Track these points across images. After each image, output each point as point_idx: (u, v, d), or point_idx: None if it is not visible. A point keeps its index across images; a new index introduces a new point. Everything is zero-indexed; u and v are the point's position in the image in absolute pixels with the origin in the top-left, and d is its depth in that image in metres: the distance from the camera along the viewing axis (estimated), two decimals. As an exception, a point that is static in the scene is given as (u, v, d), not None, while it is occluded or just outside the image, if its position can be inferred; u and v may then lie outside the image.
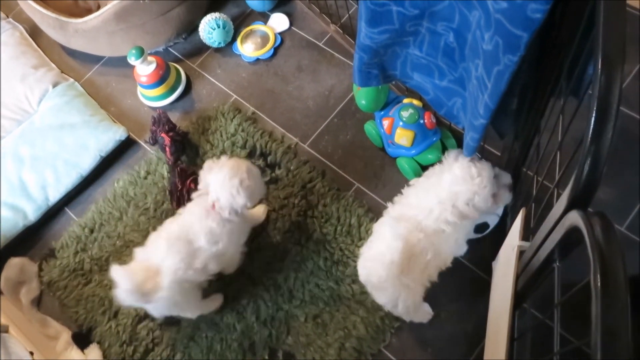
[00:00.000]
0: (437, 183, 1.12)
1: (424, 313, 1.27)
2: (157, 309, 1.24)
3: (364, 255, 1.15)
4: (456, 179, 1.08)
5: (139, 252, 1.21)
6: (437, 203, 1.10)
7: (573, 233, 0.62)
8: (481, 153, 1.42)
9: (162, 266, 1.16)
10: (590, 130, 0.58)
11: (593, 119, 0.58)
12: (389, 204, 1.22)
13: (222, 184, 1.19)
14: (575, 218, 0.61)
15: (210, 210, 1.21)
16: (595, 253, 0.53)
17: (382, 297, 1.16)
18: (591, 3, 0.67)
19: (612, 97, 0.57)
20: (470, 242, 1.34)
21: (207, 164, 1.25)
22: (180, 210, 1.27)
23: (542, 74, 0.94)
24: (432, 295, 1.31)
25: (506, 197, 1.14)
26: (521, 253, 0.99)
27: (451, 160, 1.13)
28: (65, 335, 1.40)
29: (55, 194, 1.60)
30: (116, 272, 1.09)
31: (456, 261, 1.34)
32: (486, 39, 0.86)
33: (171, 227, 1.22)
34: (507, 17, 0.77)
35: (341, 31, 1.69)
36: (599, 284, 0.51)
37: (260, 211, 1.45)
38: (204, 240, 1.19)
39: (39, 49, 1.92)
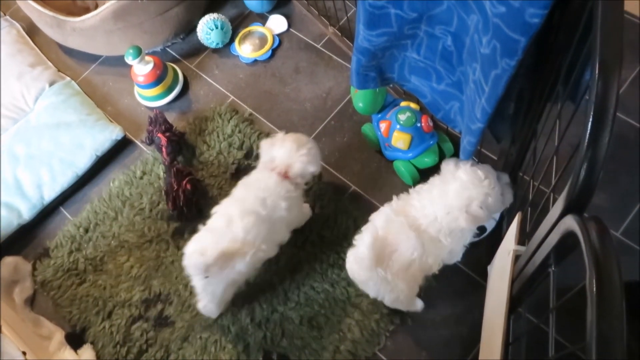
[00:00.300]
0: (441, 194, 1.11)
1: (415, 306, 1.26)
2: (219, 283, 1.22)
3: (351, 249, 1.16)
4: (464, 184, 1.08)
5: (216, 223, 1.21)
6: (445, 214, 1.10)
7: (569, 238, 0.62)
8: (478, 157, 1.42)
9: (243, 245, 1.16)
10: (587, 136, 0.58)
11: (590, 124, 0.58)
12: (394, 197, 1.22)
13: (291, 154, 1.26)
14: (571, 223, 0.61)
15: (284, 179, 1.26)
16: (590, 258, 0.53)
17: (368, 291, 1.18)
18: (589, 8, 0.67)
19: (609, 102, 0.57)
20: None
21: (267, 141, 1.32)
22: (235, 190, 1.29)
23: (539, 78, 0.94)
24: (427, 298, 1.31)
25: (510, 196, 1.15)
26: (517, 257, 0.99)
27: (451, 169, 1.13)
28: (59, 335, 1.39)
29: (50, 193, 1.59)
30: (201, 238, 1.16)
31: (452, 265, 1.34)
32: (484, 42, 0.86)
33: (245, 198, 1.24)
34: (505, 22, 0.77)
35: (339, 33, 1.69)
36: (594, 290, 0.51)
37: (307, 208, 1.43)
38: (284, 206, 1.23)
39: (35, 47, 1.91)
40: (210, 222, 1.23)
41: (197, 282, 1.23)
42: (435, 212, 1.11)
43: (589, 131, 0.58)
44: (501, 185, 1.13)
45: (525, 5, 0.72)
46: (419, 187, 1.19)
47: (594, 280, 0.51)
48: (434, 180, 1.16)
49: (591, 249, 0.54)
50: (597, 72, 0.58)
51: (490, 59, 0.85)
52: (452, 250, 1.17)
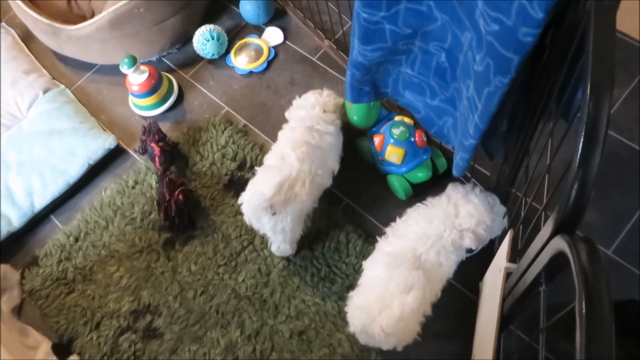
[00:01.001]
0: (448, 214, 1.15)
1: None
2: (286, 217, 1.24)
3: (355, 302, 1.14)
4: (476, 207, 1.14)
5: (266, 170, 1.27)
6: (451, 231, 1.13)
7: (559, 257, 0.62)
8: (471, 173, 1.42)
9: (299, 173, 1.23)
10: (578, 155, 0.58)
11: (581, 144, 0.58)
12: (383, 237, 1.22)
13: (318, 100, 1.39)
14: (561, 243, 0.61)
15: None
16: (580, 280, 0.53)
17: (381, 345, 1.13)
18: (581, 29, 0.67)
19: (600, 123, 0.57)
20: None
21: (294, 105, 1.43)
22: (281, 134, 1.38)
23: (532, 96, 0.94)
24: (418, 314, 1.30)
25: (501, 225, 1.20)
26: (508, 275, 0.99)
27: (462, 192, 1.18)
28: (45, 345, 1.37)
29: (41, 201, 1.58)
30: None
31: (443, 280, 1.34)
32: (477, 60, 0.86)
33: (294, 135, 1.33)
34: (499, 40, 0.78)
35: (335, 47, 1.69)
36: (584, 311, 0.50)
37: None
38: (331, 130, 1.35)
39: (30, 54, 1.91)
40: (264, 163, 1.31)
41: (266, 224, 1.24)
42: (435, 231, 1.14)
43: (580, 151, 0.58)
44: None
45: (518, 24, 0.73)
46: (411, 210, 1.21)
47: (584, 302, 0.51)
48: (439, 199, 1.19)
49: (581, 270, 0.53)
50: (588, 92, 0.58)
51: (483, 76, 0.86)
52: (450, 271, 1.19)
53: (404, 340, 1.10)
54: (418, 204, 1.23)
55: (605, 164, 1.45)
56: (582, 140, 0.58)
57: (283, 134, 1.38)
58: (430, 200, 1.21)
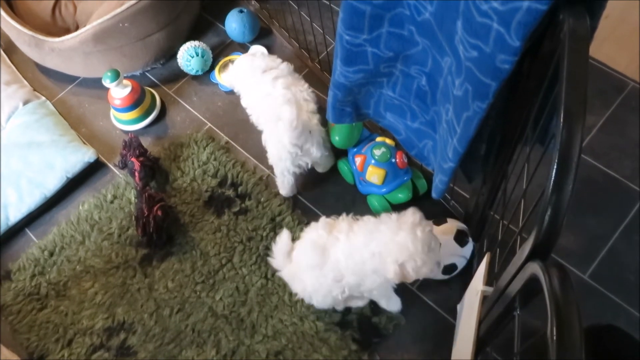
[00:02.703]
0: (384, 233, 1.12)
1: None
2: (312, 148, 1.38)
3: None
4: (414, 242, 1.08)
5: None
6: (377, 253, 1.11)
7: (533, 282, 0.62)
8: (450, 195, 1.44)
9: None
10: (551, 182, 0.59)
11: (554, 171, 0.59)
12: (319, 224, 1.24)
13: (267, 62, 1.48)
14: (535, 268, 0.61)
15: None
16: (552, 305, 0.53)
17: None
18: (556, 58, 0.69)
19: (572, 149, 0.58)
20: (437, 283, 1.35)
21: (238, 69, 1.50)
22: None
23: (510, 121, 0.96)
24: (396, 335, 1.30)
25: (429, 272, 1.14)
26: (485, 298, 0.99)
27: (413, 221, 1.11)
28: (14, 362, 1.33)
29: (16, 214, 1.55)
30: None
31: (422, 302, 1.34)
32: (457, 84, 0.88)
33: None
34: (477, 66, 0.79)
35: (319, 67, 1.71)
36: (554, 337, 0.51)
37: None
38: None
39: (12, 65, 1.89)
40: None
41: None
42: (367, 248, 1.13)
43: (553, 177, 0.59)
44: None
45: (496, 52, 0.75)
46: (364, 220, 1.20)
47: (554, 329, 0.51)
48: (390, 217, 1.15)
49: (553, 296, 0.54)
50: (561, 120, 0.60)
51: (462, 100, 0.87)
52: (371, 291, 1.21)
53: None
54: (369, 218, 1.21)
55: (581, 190, 1.48)
56: (555, 166, 0.59)
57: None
58: (383, 217, 1.17)
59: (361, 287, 1.20)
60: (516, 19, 0.68)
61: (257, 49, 1.59)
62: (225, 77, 1.57)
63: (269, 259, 1.31)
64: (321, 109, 1.43)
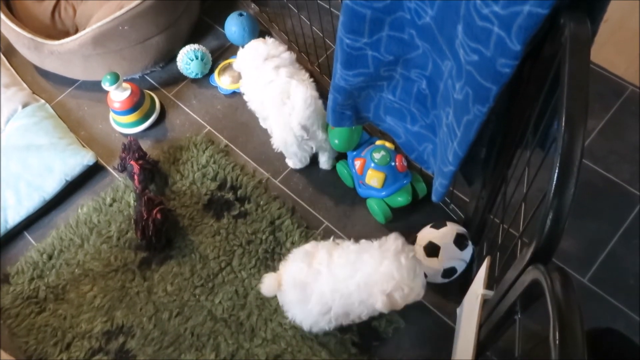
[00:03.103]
0: (368, 264, 1.10)
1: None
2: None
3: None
4: (399, 269, 1.07)
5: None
6: (363, 285, 1.09)
7: (534, 287, 0.62)
8: (450, 198, 1.44)
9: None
10: (553, 186, 0.59)
11: (556, 175, 0.59)
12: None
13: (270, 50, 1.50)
14: (536, 272, 0.61)
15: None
16: (554, 310, 0.53)
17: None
18: (557, 62, 0.69)
19: (574, 154, 0.58)
20: (436, 287, 1.35)
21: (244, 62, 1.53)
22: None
23: (510, 125, 0.96)
24: (396, 339, 1.30)
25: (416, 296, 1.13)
26: (485, 302, 0.99)
27: (395, 248, 1.10)
28: (12, 366, 1.33)
29: (15, 217, 1.55)
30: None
31: (421, 305, 1.34)
32: (457, 88, 0.88)
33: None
34: (478, 70, 0.79)
35: (319, 70, 1.71)
36: (557, 341, 0.51)
37: None
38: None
39: (11, 68, 1.89)
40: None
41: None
42: (352, 279, 1.11)
43: (554, 182, 0.59)
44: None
45: (496, 55, 0.75)
46: (343, 248, 1.18)
47: (557, 333, 0.51)
48: (371, 245, 1.14)
49: (555, 300, 0.54)
50: (563, 124, 0.60)
51: (462, 104, 0.87)
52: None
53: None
54: (350, 243, 1.19)
55: (581, 194, 1.48)
56: (556, 171, 0.59)
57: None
58: (366, 242, 1.16)
59: (350, 316, 1.19)
60: (517, 23, 0.68)
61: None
62: (235, 64, 1.59)
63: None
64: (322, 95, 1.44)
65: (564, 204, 0.59)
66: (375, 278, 1.08)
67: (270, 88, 1.44)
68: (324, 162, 1.55)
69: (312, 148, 1.48)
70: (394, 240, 1.12)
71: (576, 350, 0.49)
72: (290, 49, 1.69)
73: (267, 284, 1.21)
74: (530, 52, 0.79)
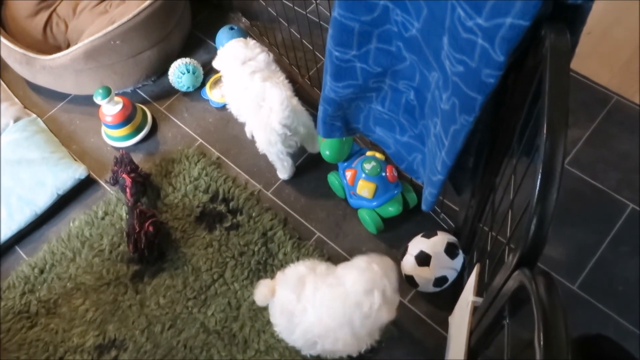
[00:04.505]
0: (358, 285, 1.10)
1: None
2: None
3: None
4: (377, 272, 1.09)
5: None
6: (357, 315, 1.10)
7: (521, 291, 0.63)
8: (440, 208, 1.45)
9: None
10: (536, 192, 0.61)
11: (539, 182, 0.60)
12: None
13: (246, 52, 1.54)
14: (522, 277, 0.62)
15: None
16: (539, 311, 0.54)
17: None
18: (539, 73, 0.71)
19: (556, 160, 0.60)
20: (428, 296, 1.36)
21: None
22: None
23: (497, 135, 0.98)
24: (388, 348, 1.30)
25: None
26: (475, 309, 1.00)
27: (361, 261, 1.13)
28: (3, 382, 1.32)
29: (6, 231, 1.54)
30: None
31: (414, 315, 1.35)
32: (444, 99, 0.90)
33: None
34: (463, 80, 0.81)
35: (309, 83, 1.73)
36: (541, 342, 0.52)
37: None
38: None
39: (2, 83, 1.89)
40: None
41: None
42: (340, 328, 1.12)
43: (538, 188, 0.60)
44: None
45: (481, 66, 0.77)
46: (332, 279, 1.17)
47: (541, 334, 0.52)
48: (345, 271, 1.15)
49: (539, 302, 0.55)
50: (545, 132, 0.61)
51: (449, 114, 0.89)
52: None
53: None
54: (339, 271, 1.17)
55: (569, 202, 1.50)
56: (539, 177, 0.60)
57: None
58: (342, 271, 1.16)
59: (335, 354, 1.21)
60: (500, 34, 0.70)
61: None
62: (214, 62, 1.62)
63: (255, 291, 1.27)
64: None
65: (547, 209, 0.60)
66: (360, 290, 1.09)
67: (246, 94, 1.48)
68: (312, 148, 1.60)
69: (296, 142, 1.50)
70: (358, 259, 1.15)
71: (560, 351, 0.50)
72: (280, 62, 1.72)
73: (260, 292, 1.21)
74: (514, 63, 0.81)
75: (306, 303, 1.15)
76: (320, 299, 1.13)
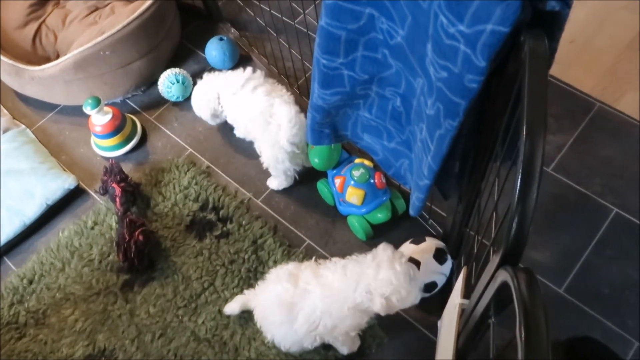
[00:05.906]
0: (365, 274, 1.12)
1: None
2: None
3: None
4: (397, 275, 1.10)
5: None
6: (364, 292, 1.11)
7: (505, 289, 0.65)
8: (428, 214, 1.47)
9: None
10: (517, 192, 0.62)
11: (519, 182, 0.62)
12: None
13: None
14: (505, 274, 0.64)
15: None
16: (520, 307, 0.56)
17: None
18: (520, 78, 0.73)
19: (535, 161, 0.62)
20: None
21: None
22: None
23: (481, 139, 1.00)
24: (379, 354, 1.31)
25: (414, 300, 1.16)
26: (463, 311, 1.02)
27: (389, 255, 1.14)
28: (-9, 393, 1.31)
29: (-6, 242, 1.54)
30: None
31: (403, 320, 1.36)
32: (429, 104, 0.92)
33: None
34: (447, 86, 0.83)
35: (298, 92, 1.75)
36: (522, 337, 0.53)
37: None
38: None
39: (-8, 95, 1.90)
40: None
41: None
42: (350, 287, 1.13)
43: (518, 188, 0.62)
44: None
45: (464, 72, 0.79)
46: (341, 261, 1.20)
47: (523, 328, 0.54)
48: (365, 258, 1.17)
49: (521, 298, 0.57)
50: (524, 135, 0.63)
51: (434, 119, 0.91)
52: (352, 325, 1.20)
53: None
54: (336, 260, 1.21)
55: (554, 207, 1.52)
56: (519, 177, 0.62)
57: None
58: (356, 257, 1.18)
59: (335, 330, 1.20)
60: (481, 41, 0.72)
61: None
62: (195, 105, 1.63)
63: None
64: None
65: (528, 208, 0.62)
66: (374, 285, 1.11)
67: (250, 111, 1.47)
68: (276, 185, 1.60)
69: (302, 160, 1.51)
70: (383, 250, 1.15)
71: (540, 344, 0.52)
72: (269, 72, 1.74)
73: (229, 306, 1.32)
74: (496, 69, 0.83)
75: (306, 285, 1.17)
76: (331, 274, 1.16)
